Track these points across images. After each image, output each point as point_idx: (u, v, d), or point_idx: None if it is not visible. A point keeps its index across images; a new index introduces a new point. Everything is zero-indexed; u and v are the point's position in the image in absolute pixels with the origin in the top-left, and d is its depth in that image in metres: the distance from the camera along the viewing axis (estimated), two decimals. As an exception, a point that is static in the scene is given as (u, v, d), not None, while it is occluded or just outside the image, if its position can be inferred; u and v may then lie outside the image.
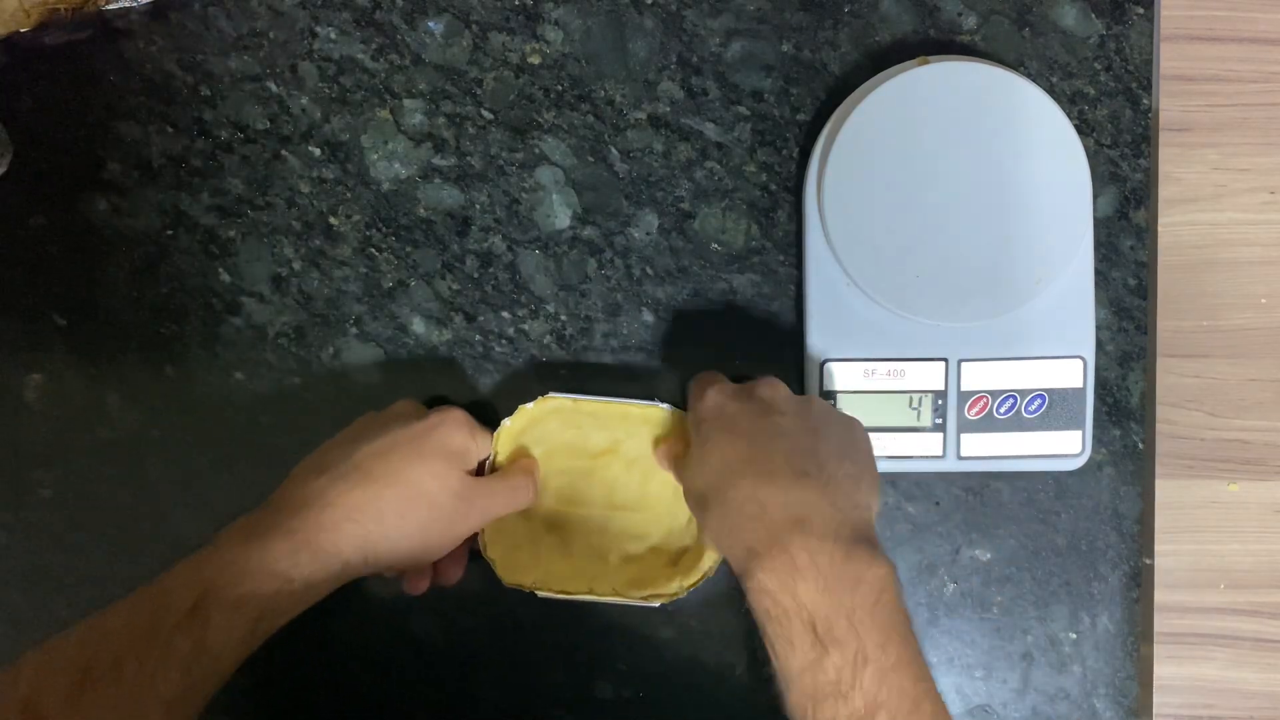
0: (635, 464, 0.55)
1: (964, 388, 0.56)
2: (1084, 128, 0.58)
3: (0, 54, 0.57)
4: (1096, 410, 0.58)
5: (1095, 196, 0.58)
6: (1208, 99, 0.60)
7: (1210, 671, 0.60)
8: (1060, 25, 0.58)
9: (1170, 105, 0.60)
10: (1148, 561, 0.59)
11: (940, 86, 0.52)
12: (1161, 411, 0.60)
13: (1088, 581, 0.58)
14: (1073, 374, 0.56)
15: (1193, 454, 0.60)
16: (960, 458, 0.56)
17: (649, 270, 0.58)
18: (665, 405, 0.54)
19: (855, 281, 0.54)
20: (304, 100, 0.58)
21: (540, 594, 0.54)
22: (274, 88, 0.58)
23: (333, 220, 0.58)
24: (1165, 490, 0.60)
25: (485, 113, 0.58)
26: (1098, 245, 0.58)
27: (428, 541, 0.50)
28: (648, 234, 0.58)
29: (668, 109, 0.58)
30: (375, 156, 0.58)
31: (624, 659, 0.58)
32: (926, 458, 0.56)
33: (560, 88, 0.58)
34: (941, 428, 0.56)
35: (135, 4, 0.57)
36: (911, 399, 0.56)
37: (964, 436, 0.56)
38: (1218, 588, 0.60)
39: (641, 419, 0.54)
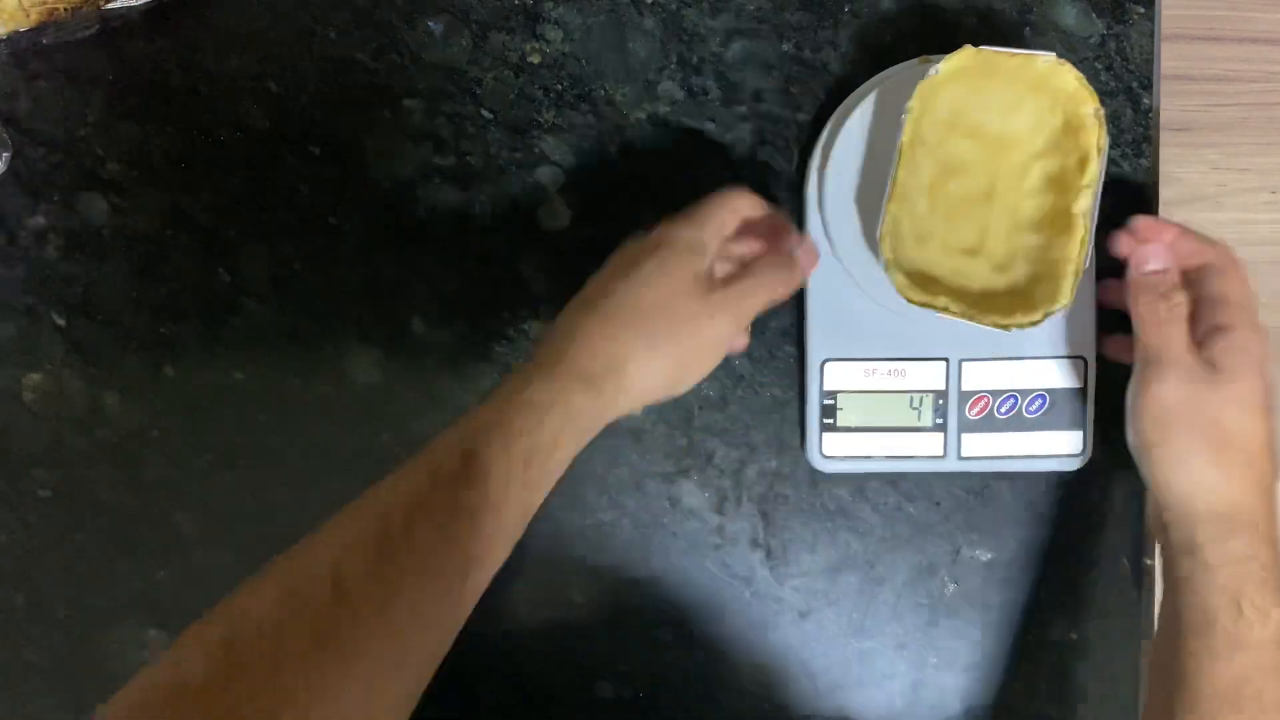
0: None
1: (965, 387, 0.55)
2: (1084, 127, 0.58)
3: None
4: (1098, 410, 0.58)
5: (1096, 196, 0.58)
6: (1208, 99, 0.60)
7: (1211, 672, 0.60)
8: (1061, 25, 0.58)
9: (1171, 105, 0.60)
10: (1148, 562, 0.59)
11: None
12: (1162, 412, 0.60)
13: (1088, 582, 0.58)
14: (1074, 374, 0.55)
15: (1193, 454, 0.60)
16: (961, 458, 0.56)
17: (649, 270, 0.58)
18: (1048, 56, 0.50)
19: (855, 281, 0.54)
20: (304, 100, 0.58)
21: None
22: (274, 87, 0.58)
23: (332, 220, 0.58)
24: (1166, 491, 0.60)
25: (485, 112, 0.58)
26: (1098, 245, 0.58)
27: (683, 361, 0.47)
28: (648, 234, 0.58)
29: (668, 109, 0.58)
30: (375, 156, 0.58)
31: (624, 659, 0.58)
32: (928, 458, 0.56)
33: (560, 87, 0.58)
34: (943, 427, 0.56)
35: (135, 4, 0.57)
36: (912, 399, 0.55)
37: (965, 436, 0.56)
38: (1218, 588, 0.60)
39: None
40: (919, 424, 0.55)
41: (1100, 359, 0.58)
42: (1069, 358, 0.55)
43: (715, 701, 0.58)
